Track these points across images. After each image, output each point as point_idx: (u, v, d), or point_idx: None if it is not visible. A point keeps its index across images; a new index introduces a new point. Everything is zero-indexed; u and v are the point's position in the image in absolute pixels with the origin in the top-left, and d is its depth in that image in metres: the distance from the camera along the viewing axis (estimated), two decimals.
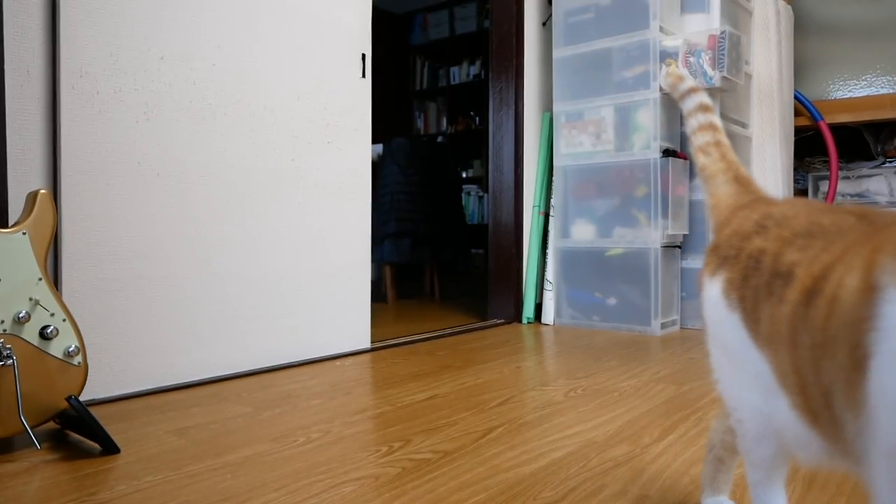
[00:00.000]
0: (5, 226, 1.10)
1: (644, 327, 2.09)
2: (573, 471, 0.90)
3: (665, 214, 2.09)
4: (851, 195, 2.78)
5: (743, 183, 0.65)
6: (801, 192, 2.91)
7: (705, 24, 2.21)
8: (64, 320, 1.00)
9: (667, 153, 2.10)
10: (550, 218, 2.35)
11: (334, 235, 1.74)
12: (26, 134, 1.19)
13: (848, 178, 2.85)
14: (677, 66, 2.11)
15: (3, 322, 0.94)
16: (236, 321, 1.51)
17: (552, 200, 2.35)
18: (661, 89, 2.11)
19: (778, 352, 0.48)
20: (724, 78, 2.03)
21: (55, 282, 1.23)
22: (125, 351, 1.31)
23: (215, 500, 0.81)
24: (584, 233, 2.26)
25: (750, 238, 0.54)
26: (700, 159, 0.69)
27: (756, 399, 0.54)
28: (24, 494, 0.83)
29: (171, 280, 1.38)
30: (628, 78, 2.18)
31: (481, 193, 4.89)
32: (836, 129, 2.87)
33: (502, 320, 2.37)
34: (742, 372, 0.55)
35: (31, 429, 0.96)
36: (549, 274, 2.33)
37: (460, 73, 5.17)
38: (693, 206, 2.22)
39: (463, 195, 4.90)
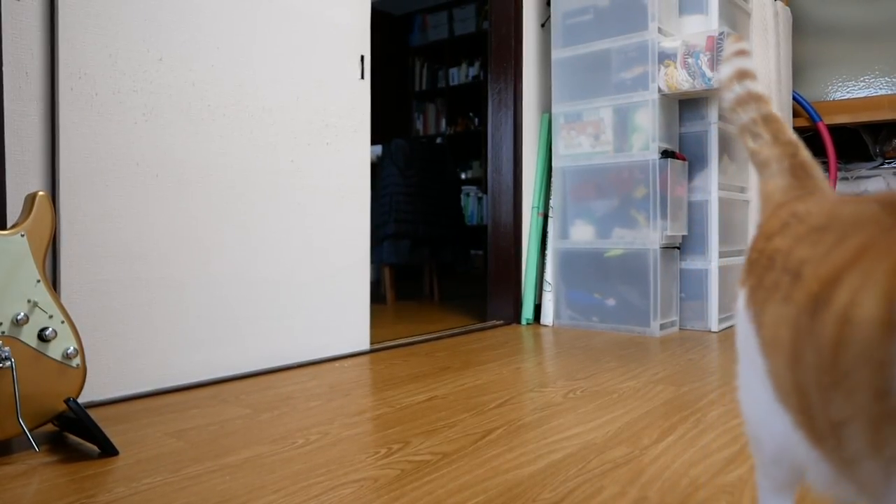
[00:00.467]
0: (4, 227, 1.10)
1: (643, 328, 2.09)
2: (572, 472, 0.90)
3: (664, 215, 2.09)
4: None
5: (800, 174, 0.53)
6: None
7: (704, 26, 2.21)
8: (62, 322, 1.00)
9: (665, 154, 2.10)
10: (549, 219, 2.35)
11: (333, 237, 1.74)
12: (25, 135, 1.19)
13: (847, 178, 2.85)
14: (676, 69, 2.11)
15: (1, 324, 0.94)
16: (235, 322, 1.51)
17: (551, 201, 2.35)
18: (659, 90, 2.11)
19: (777, 362, 0.42)
20: None
21: (54, 283, 1.22)
22: (124, 352, 1.31)
23: (214, 503, 0.81)
24: (583, 234, 2.26)
25: (772, 238, 0.47)
26: (748, 143, 0.56)
27: (773, 418, 0.48)
28: (23, 497, 0.83)
29: (170, 281, 1.38)
30: (627, 79, 2.18)
31: (480, 194, 4.89)
32: (834, 129, 2.87)
33: (501, 321, 2.37)
34: (759, 386, 0.49)
35: (30, 431, 0.96)
36: (549, 275, 2.33)
37: (459, 75, 5.17)
38: (692, 207, 2.22)
39: (462, 196, 4.90)
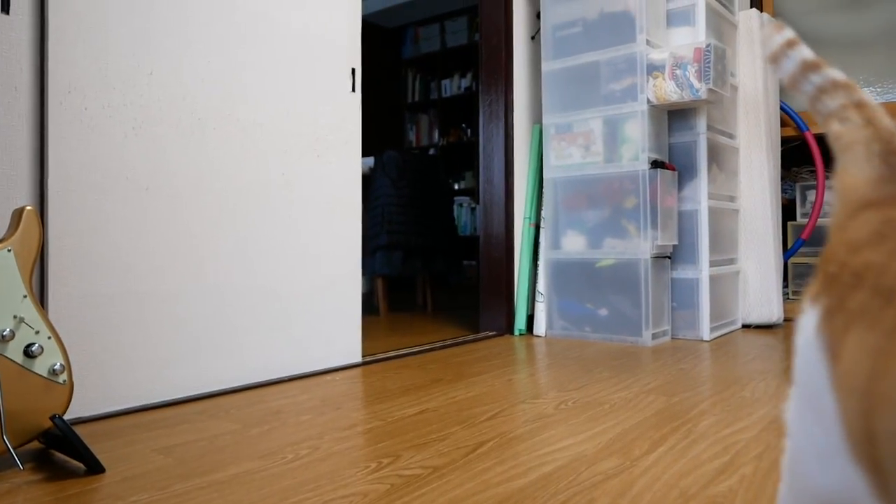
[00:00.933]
0: None
1: (635, 338, 2.10)
2: (563, 485, 0.89)
3: (654, 225, 2.10)
4: None
5: (893, 163, 0.43)
6: (789, 201, 2.94)
7: (691, 38, 2.24)
8: (49, 338, 0.99)
9: (655, 164, 2.11)
10: (541, 229, 2.36)
11: (324, 249, 1.74)
12: (13, 150, 1.18)
13: None
14: (664, 80, 2.13)
15: None
16: (225, 336, 1.50)
17: (543, 212, 2.36)
18: (648, 101, 2.13)
19: (852, 404, 0.35)
20: (710, 90, 2.05)
21: (41, 298, 1.22)
22: (112, 368, 1.30)
23: None
24: (574, 244, 2.27)
25: (859, 250, 0.38)
26: (833, 127, 0.47)
27: (833, 468, 0.39)
28: None
29: (159, 296, 1.38)
30: (616, 90, 2.20)
31: (473, 205, 4.91)
32: (822, 139, 2.90)
33: (494, 332, 2.37)
34: (820, 428, 0.40)
35: (15, 449, 0.95)
36: (541, 285, 2.33)
37: (451, 86, 5.20)
38: (682, 217, 2.23)
39: (455, 207, 4.91)
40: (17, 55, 1.19)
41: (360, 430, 1.18)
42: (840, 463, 0.38)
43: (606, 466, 0.96)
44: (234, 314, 1.52)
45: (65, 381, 1.00)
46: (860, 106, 0.46)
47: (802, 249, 2.75)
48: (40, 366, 0.98)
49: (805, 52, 0.49)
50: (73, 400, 1.24)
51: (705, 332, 2.16)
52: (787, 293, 2.81)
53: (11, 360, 0.95)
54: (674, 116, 2.28)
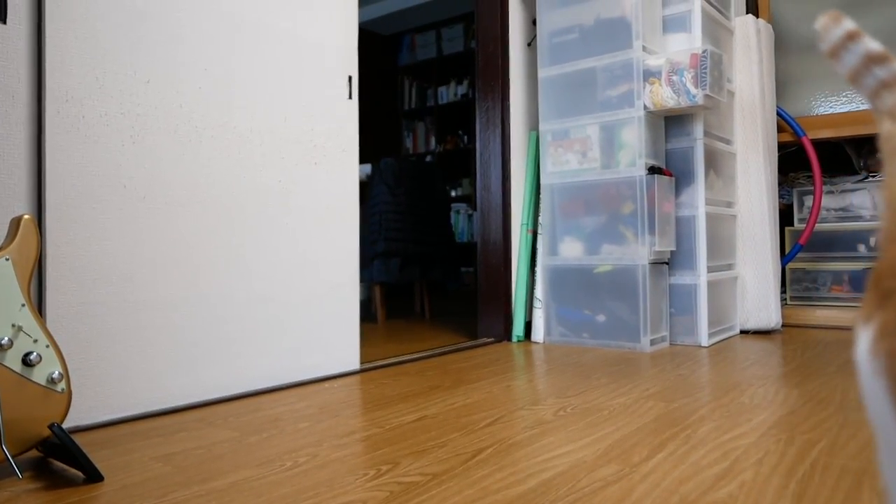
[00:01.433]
0: None
1: (633, 344, 2.10)
2: (562, 492, 0.89)
3: (652, 231, 2.10)
4: (836, 210, 2.81)
5: None
6: (786, 206, 2.95)
7: (687, 44, 2.25)
8: (47, 346, 0.99)
9: (652, 170, 2.12)
10: (539, 236, 2.36)
11: (322, 256, 1.74)
12: (10, 159, 1.19)
13: (832, 192, 2.89)
14: (661, 86, 2.14)
15: None
16: (223, 344, 1.50)
17: (540, 218, 2.36)
18: (645, 107, 2.14)
19: None
20: (707, 96, 2.06)
21: (39, 307, 1.21)
22: (110, 376, 1.30)
23: None
24: (572, 250, 2.27)
25: None
26: (885, 126, 0.44)
27: None
28: None
29: (158, 303, 1.37)
30: (613, 97, 2.21)
31: (471, 212, 4.91)
32: (818, 144, 2.92)
33: (492, 339, 2.37)
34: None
35: (13, 457, 0.95)
36: (539, 292, 2.33)
37: (448, 93, 5.21)
38: (679, 223, 2.24)
39: (452, 214, 4.92)
40: (14, 64, 1.19)
41: (359, 437, 1.18)
42: None
43: (606, 473, 0.96)
44: (232, 322, 1.51)
45: (63, 389, 1.00)
46: None
47: (800, 255, 2.75)
48: (39, 374, 0.98)
49: (869, 45, 0.46)
50: (71, 408, 1.23)
51: (703, 338, 2.17)
52: (785, 298, 2.81)
53: (10, 368, 0.95)
54: (671, 122, 2.28)
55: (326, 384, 1.64)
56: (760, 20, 2.63)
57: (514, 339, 2.35)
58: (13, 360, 0.96)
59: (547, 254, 2.32)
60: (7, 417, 0.94)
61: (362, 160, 4.65)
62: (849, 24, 0.47)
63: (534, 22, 2.58)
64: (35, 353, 0.97)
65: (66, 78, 1.24)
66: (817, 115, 2.93)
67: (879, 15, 2.80)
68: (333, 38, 1.79)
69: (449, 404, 1.40)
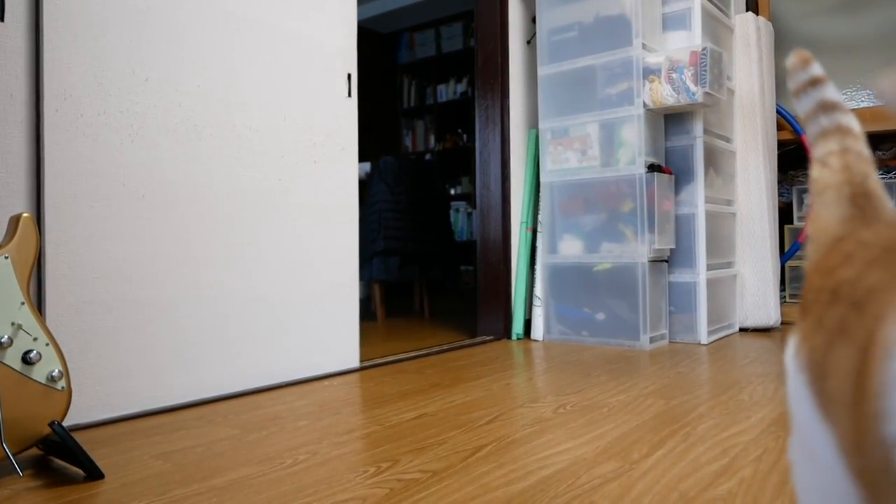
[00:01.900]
0: None
1: (633, 342, 2.10)
2: (562, 489, 0.89)
3: (651, 229, 2.10)
4: None
5: (861, 203, 0.45)
6: (785, 205, 2.95)
7: (687, 41, 2.25)
8: (47, 345, 0.99)
9: (652, 168, 2.12)
10: (538, 234, 2.36)
11: (321, 255, 1.74)
12: (9, 157, 1.18)
13: None
14: (660, 84, 2.14)
15: None
16: (223, 343, 1.50)
17: (539, 216, 2.36)
18: (644, 105, 2.14)
19: (843, 427, 0.34)
20: (706, 93, 2.06)
21: (39, 305, 1.21)
22: (110, 374, 1.30)
23: None
24: (571, 248, 2.27)
25: (833, 272, 0.39)
26: (814, 171, 0.49)
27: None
28: None
29: (157, 302, 1.38)
30: (612, 95, 2.21)
31: (470, 210, 4.91)
32: None
33: (491, 337, 2.37)
34: (816, 458, 0.39)
35: (14, 455, 0.95)
36: (538, 290, 2.33)
37: (447, 91, 5.21)
38: (679, 221, 2.24)
39: (452, 212, 4.92)
40: (12, 62, 1.19)
41: (359, 434, 1.18)
42: (846, 491, 0.37)
43: (605, 470, 0.96)
44: (232, 320, 1.51)
45: (63, 387, 1.00)
46: (844, 153, 0.47)
47: (799, 253, 2.75)
48: (38, 372, 0.98)
49: (826, 93, 0.49)
50: (71, 406, 1.23)
51: (703, 336, 2.17)
52: (784, 296, 2.81)
53: (10, 367, 0.95)
54: (670, 120, 2.28)
55: (326, 382, 1.64)
56: (760, 18, 2.63)
57: (514, 337, 2.35)
58: (13, 359, 0.96)
59: (546, 252, 2.32)
60: (7, 416, 0.95)
61: (362, 159, 4.65)
62: (815, 70, 0.49)
63: (533, 20, 2.58)
64: (35, 352, 0.97)
65: (65, 76, 1.24)
66: None
67: (878, 14, 2.80)
68: (333, 36, 1.78)
69: (448, 402, 1.40)
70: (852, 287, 0.36)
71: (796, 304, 2.70)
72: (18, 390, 0.96)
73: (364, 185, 3.13)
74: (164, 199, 1.39)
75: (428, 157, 5.30)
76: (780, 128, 2.88)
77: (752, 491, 0.87)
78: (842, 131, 0.48)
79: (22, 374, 0.96)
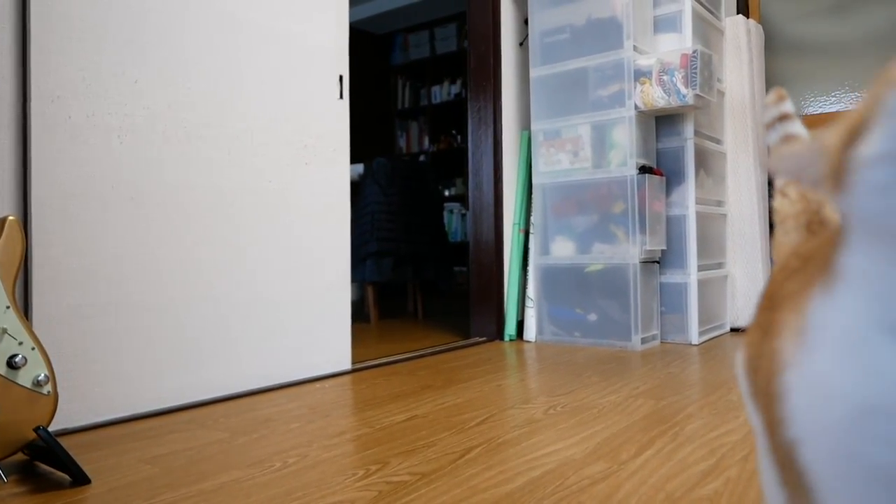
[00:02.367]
0: None
1: (625, 342, 2.10)
2: (550, 490, 0.89)
3: (643, 230, 2.11)
4: None
5: (816, 230, 0.48)
6: None
7: (678, 44, 2.26)
8: (33, 349, 0.98)
9: (643, 170, 2.13)
10: (531, 235, 2.37)
11: (313, 257, 1.73)
12: None
13: None
14: (651, 86, 2.15)
15: None
16: (214, 345, 1.49)
17: (532, 218, 2.37)
18: (635, 107, 2.15)
19: (761, 421, 0.37)
20: (697, 96, 2.07)
21: (25, 309, 1.21)
22: (99, 378, 1.29)
23: None
24: (563, 249, 2.27)
25: (777, 283, 0.42)
26: (776, 202, 0.53)
27: None
28: None
29: (146, 305, 1.37)
30: (604, 96, 2.22)
31: (464, 211, 4.91)
32: None
33: (484, 338, 2.37)
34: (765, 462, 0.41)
35: None
36: (531, 291, 2.33)
37: (441, 93, 5.21)
38: (670, 222, 2.25)
39: (446, 213, 4.92)
40: None
41: (349, 437, 1.18)
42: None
43: (594, 470, 0.96)
44: (223, 323, 1.51)
45: (49, 392, 1.00)
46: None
47: None
48: (24, 377, 0.97)
49: (792, 128, 0.52)
50: (58, 411, 1.23)
51: (694, 336, 2.17)
52: None
53: None
54: (661, 122, 2.29)
55: (318, 384, 1.64)
56: (751, 20, 2.64)
57: (507, 338, 2.35)
58: None
59: (539, 253, 2.33)
60: None
61: (355, 160, 4.64)
62: (786, 107, 0.53)
63: (526, 21, 2.59)
64: (20, 356, 0.96)
65: (52, 77, 1.23)
66: (806, 114, 2.94)
67: (866, 16, 2.82)
68: (325, 37, 1.78)
69: (439, 404, 1.40)
70: (779, 293, 0.39)
71: None
72: (3, 395, 0.95)
73: (357, 186, 3.13)
74: (153, 202, 1.39)
75: (422, 158, 5.30)
76: None
77: (737, 491, 0.87)
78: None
79: (7, 378, 0.96)
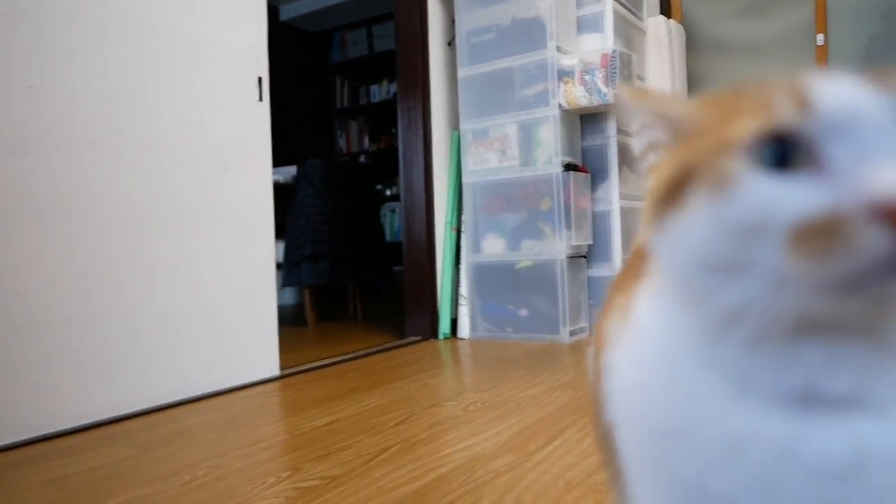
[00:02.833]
0: None
1: (554, 336, 2.16)
2: (455, 485, 0.91)
3: (569, 226, 2.17)
4: None
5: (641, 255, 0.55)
6: None
7: (600, 44, 2.32)
8: None
9: (568, 167, 2.18)
10: (462, 234, 2.39)
11: (234, 265, 1.71)
12: None
13: None
14: (574, 85, 2.20)
15: None
16: (132, 359, 1.45)
17: (463, 216, 2.39)
18: (560, 106, 2.20)
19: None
20: (616, 94, 2.14)
21: None
22: (4, 399, 1.24)
23: None
24: (494, 247, 2.31)
25: (622, 269, 0.46)
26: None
27: None
28: None
29: (55, 321, 1.32)
30: (529, 96, 2.26)
31: None
32: None
33: (419, 338, 2.39)
34: None
35: None
36: (463, 289, 2.36)
37: (380, 91, 5.19)
38: (596, 217, 2.31)
39: (387, 213, 4.91)
40: None
41: (265, 445, 1.17)
42: None
43: (500, 464, 0.99)
44: (141, 336, 1.47)
45: None
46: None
47: None
48: None
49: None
50: None
51: None
52: None
53: None
54: (586, 120, 2.35)
55: (243, 393, 1.62)
56: (672, 21, 2.74)
57: (441, 336, 2.37)
58: None
59: (470, 251, 2.35)
60: None
61: (292, 162, 4.57)
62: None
63: (453, 21, 2.61)
64: None
65: None
66: None
67: (778, 17, 2.96)
68: (240, 38, 1.75)
69: (363, 406, 1.41)
70: (623, 274, 0.41)
71: None
72: None
73: (291, 189, 3.08)
74: (59, 214, 1.33)
75: (362, 158, 5.27)
76: None
77: None
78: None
79: None
